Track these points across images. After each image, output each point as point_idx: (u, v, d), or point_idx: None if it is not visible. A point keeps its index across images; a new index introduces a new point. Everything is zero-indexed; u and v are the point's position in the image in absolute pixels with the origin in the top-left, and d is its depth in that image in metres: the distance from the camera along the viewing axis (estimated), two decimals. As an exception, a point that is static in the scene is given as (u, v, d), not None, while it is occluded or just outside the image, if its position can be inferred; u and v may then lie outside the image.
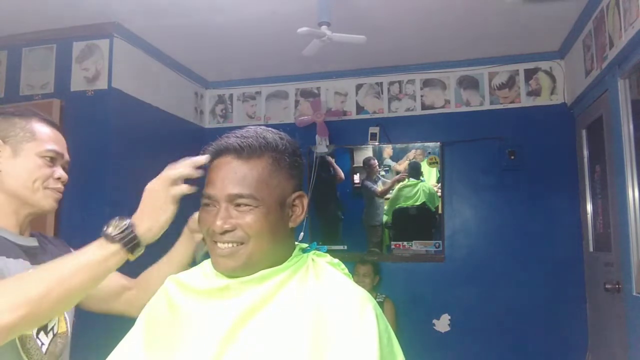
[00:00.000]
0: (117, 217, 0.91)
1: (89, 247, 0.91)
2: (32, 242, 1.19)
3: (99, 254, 0.89)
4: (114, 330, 1.11)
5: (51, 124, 1.21)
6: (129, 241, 0.89)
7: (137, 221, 0.91)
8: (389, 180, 3.93)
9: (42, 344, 1.11)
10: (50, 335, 1.13)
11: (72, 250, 1.29)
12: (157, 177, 0.94)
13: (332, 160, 3.94)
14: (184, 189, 0.92)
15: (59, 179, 1.18)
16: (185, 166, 0.94)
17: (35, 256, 1.16)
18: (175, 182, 0.93)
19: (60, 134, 1.23)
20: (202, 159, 0.92)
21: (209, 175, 0.90)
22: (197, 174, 0.95)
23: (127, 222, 0.90)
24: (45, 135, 1.18)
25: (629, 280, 2.39)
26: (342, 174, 3.99)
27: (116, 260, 0.90)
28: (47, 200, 1.17)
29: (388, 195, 3.96)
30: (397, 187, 3.94)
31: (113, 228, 0.90)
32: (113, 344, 0.93)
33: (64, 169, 1.22)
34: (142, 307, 1.24)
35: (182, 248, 1.26)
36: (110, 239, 0.89)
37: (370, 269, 3.43)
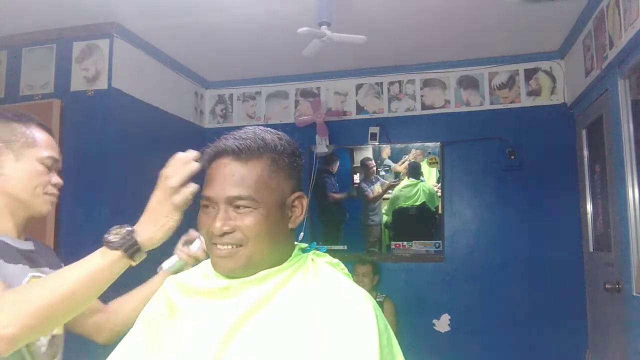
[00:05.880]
0: (117, 225, 0.93)
1: (91, 256, 0.93)
2: (29, 246, 1.21)
3: (102, 262, 0.91)
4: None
5: (47, 129, 1.25)
6: (130, 247, 0.91)
7: (139, 228, 0.93)
8: (387, 182, 3.93)
9: (42, 345, 1.12)
10: (49, 336, 1.14)
11: (57, 255, 1.33)
12: (158, 188, 0.93)
13: (335, 194, 3.97)
14: (187, 194, 0.91)
15: (55, 184, 1.22)
16: (182, 171, 0.92)
17: (33, 260, 1.17)
18: (176, 190, 0.92)
19: (53, 138, 1.26)
20: (193, 154, 0.93)
21: (207, 177, 0.90)
22: (196, 167, 0.93)
23: (127, 229, 0.92)
24: (43, 142, 1.21)
25: (629, 280, 2.39)
26: (340, 197, 4.03)
27: (119, 267, 0.92)
28: (45, 206, 1.21)
29: (387, 195, 3.96)
30: (395, 189, 3.93)
31: (113, 235, 0.92)
32: (112, 344, 0.93)
33: (57, 172, 1.25)
34: (108, 333, 1.26)
35: (156, 286, 1.15)
36: (111, 246, 0.91)
37: (369, 269, 3.43)
